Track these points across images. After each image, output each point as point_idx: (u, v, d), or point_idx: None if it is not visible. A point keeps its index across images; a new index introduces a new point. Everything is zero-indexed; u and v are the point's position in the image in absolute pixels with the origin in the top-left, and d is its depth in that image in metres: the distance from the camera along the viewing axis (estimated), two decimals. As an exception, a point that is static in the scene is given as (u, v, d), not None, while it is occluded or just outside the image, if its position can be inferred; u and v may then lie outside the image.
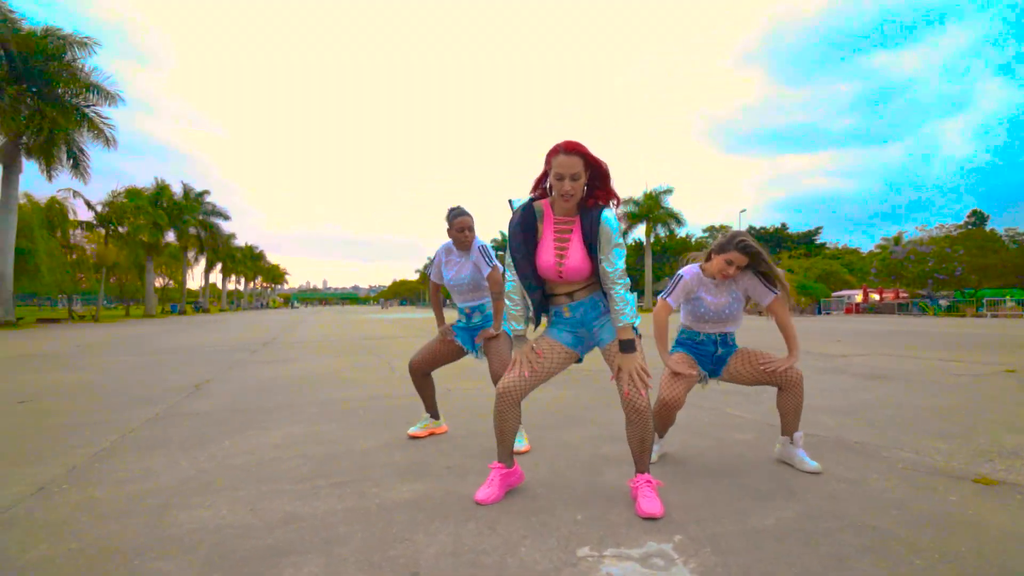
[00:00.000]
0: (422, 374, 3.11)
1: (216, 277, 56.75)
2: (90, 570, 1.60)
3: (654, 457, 2.69)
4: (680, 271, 2.54)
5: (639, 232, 37.88)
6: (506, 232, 2.19)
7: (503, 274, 2.79)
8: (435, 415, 3.19)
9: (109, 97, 19.60)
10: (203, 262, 45.87)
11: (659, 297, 2.55)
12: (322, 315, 32.04)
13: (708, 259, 2.48)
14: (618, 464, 2.52)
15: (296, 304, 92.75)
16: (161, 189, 34.32)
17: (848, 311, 29.64)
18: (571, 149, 1.91)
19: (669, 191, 36.41)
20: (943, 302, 27.93)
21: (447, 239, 3.04)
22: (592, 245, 1.99)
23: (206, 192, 40.25)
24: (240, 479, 2.40)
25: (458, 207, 2.98)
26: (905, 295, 30.18)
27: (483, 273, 2.91)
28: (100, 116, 19.77)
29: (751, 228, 53.68)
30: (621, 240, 2.01)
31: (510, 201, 2.15)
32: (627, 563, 1.58)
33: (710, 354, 2.53)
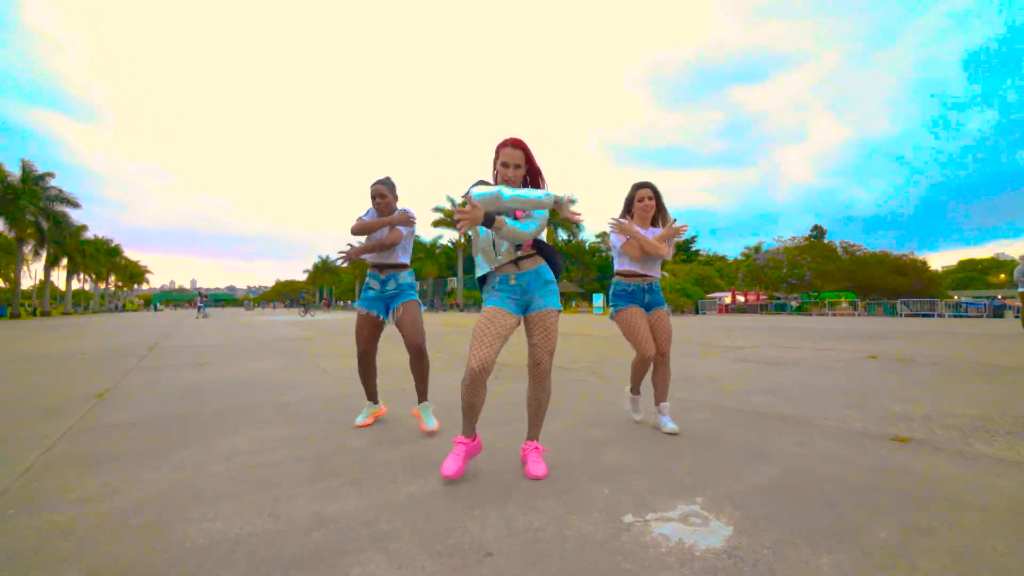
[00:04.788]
0: (370, 359, 3.28)
1: (59, 275, 48.43)
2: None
3: (637, 418, 3.23)
4: None
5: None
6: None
7: (399, 232, 3.14)
8: (375, 400, 3.36)
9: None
10: (44, 257, 38.87)
11: None
12: (194, 318, 28.64)
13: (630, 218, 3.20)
14: (610, 444, 2.74)
15: (159, 307, 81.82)
16: (-11, 169, 28.61)
17: (720, 311, 33.40)
18: (516, 144, 2.32)
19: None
20: (793, 303, 32.58)
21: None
22: None
23: (49, 175, 34.16)
24: (233, 487, 2.22)
25: (382, 177, 3.25)
26: (765, 297, 34.77)
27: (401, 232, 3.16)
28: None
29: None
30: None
31: (469, 191, 2.31)
32: (672, 524, 1.77)
33: (642, 301, 3.10)
